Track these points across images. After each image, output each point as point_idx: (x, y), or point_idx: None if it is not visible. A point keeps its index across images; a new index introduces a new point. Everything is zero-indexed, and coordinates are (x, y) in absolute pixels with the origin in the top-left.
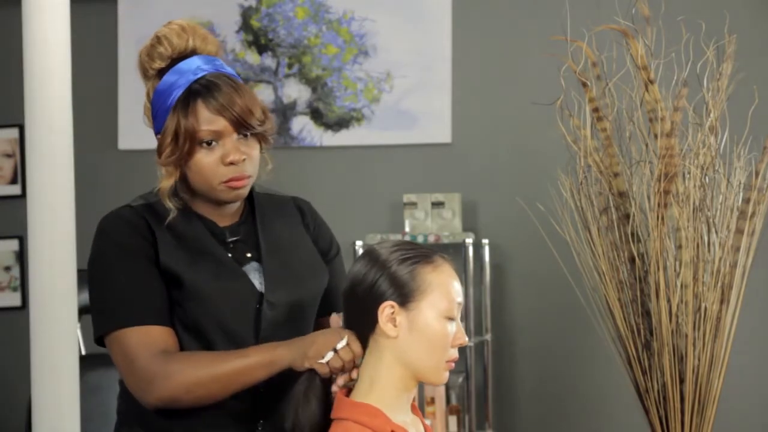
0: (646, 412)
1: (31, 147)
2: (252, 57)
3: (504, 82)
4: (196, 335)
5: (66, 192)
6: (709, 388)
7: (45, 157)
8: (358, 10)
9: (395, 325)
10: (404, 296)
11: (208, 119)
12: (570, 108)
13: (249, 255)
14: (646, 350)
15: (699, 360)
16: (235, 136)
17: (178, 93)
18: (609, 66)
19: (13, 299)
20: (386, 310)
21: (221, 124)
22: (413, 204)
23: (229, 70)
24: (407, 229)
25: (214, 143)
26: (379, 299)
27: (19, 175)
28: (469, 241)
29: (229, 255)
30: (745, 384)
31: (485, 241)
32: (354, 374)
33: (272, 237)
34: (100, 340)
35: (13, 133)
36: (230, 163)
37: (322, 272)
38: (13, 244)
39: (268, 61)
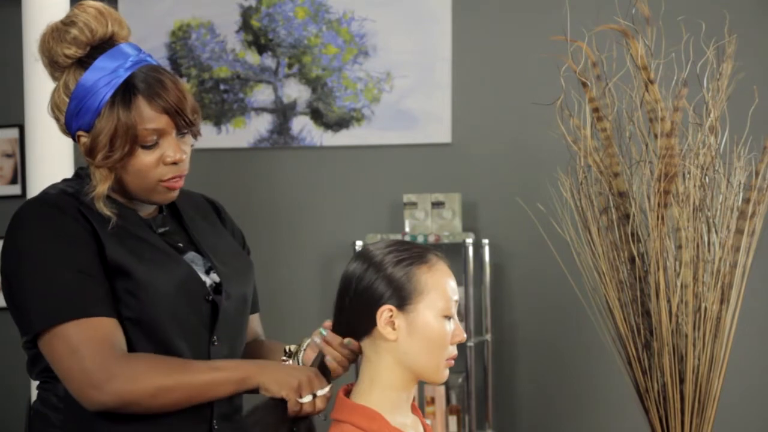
0: (646, 412)
1: (31, 147)
2: (252, 57)
3: (504, 82)
4: (148, 331)
5: None
6: (709, 388)
7: (45, 157)
8: (358, 10)
9: (394, 328)
10: (402, 299)
11: (150, 117)
12: (570, 108)
13: (181, 245)
14: (646, 350)
15: (699, 360)
16: (174, 133)
17: (113, 88)
18: (609, 66)
19: None
20: (384, 313)
21: (164, 121)
22: (413, 204)
23: (154, 60)
24: (407, 229)
25: (154, 144)
26: (376, 302)
27: (19, 175)
28: (469, 241)
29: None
30: (745, 384)
31: (485, 241)
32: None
33: (198, 231)
34: (29, 343)
35: (13, 133)
36: (172, 163)
37: (252, 266)
38: None
39: (268, 61)
